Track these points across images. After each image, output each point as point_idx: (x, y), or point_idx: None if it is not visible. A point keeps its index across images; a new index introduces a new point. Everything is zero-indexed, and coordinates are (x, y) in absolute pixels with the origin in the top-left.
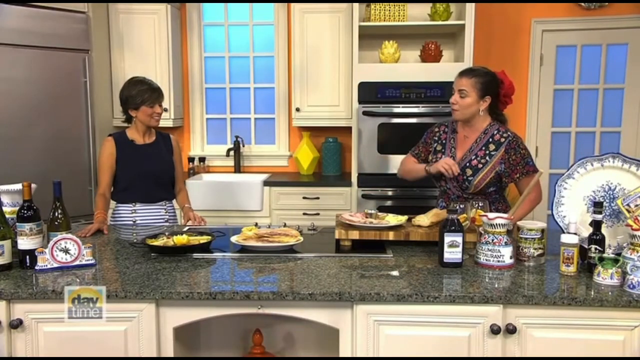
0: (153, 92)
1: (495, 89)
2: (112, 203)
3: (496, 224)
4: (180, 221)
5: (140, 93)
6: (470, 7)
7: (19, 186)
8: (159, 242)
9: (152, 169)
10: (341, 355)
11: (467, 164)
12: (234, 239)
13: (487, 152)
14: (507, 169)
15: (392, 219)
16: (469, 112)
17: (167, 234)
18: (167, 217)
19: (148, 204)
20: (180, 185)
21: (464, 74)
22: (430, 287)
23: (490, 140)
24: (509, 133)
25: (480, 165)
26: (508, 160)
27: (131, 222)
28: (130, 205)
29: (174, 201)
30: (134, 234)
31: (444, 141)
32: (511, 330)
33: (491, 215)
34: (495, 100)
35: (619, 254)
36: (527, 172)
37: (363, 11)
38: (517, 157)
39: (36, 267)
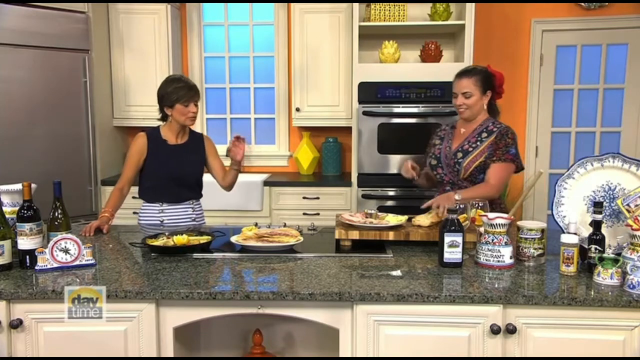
0: (189, 90)
1: (492, 82)
2: (139, 202)
3: (496, 224)
4: (206, 220)
5: (175, 90)
6: (470, 7)
7: (19, 186)
8: (159, 242)
9: (178, 171)
10: (341, 355)
11: (460, 149)
12: (234, 239)
13: (479, 138)
14: (491, 151)
15: (392, 219)
16: (476, 109)
17: (167, 234)
18: (194, 216)
19: (175, 203)
20: (224, 172)
21: (463, 75)
22: (430, 287)
23: (484, 130)
24: (503, 125)
25: (470, 149)
26: (495, 143)
27: (159, 222)
28: (158, 205)
29: (201, 200)
30: None
31: (443, 136)
32: (511, 330)
33: (491, 215)
34: (494, 93)
35: (619, 254)
36: (505, 159)
37: (363, 11)
38: (501, 143)
39: (36, 267)
